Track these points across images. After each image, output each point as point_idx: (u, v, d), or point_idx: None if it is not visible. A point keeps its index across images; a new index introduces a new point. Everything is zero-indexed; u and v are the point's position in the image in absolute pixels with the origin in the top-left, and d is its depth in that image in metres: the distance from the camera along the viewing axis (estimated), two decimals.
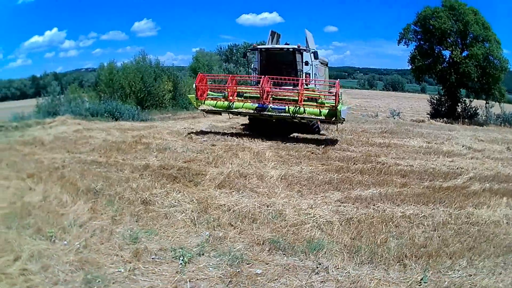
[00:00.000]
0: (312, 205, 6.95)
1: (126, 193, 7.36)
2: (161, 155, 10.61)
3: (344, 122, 13.14)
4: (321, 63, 15.94)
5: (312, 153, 11.38)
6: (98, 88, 32.64)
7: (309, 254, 5.08)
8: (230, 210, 6.68)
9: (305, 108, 12.20)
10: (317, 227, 6.03)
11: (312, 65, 14.07)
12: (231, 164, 9.70)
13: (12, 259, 4.83)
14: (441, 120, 27.12)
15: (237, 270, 4.64)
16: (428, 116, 30.04)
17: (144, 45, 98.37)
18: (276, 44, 15.39)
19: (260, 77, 12.86)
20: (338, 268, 4.71)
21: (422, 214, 6.58)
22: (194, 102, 13.42)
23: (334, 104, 11.92)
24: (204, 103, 13.35)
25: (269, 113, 12.60)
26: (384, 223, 6.16)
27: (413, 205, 7.02)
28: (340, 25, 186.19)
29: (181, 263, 4.79)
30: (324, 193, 7.66)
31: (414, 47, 30.59)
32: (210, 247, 5.29)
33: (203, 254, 5.09)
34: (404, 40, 30.62)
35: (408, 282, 4.44)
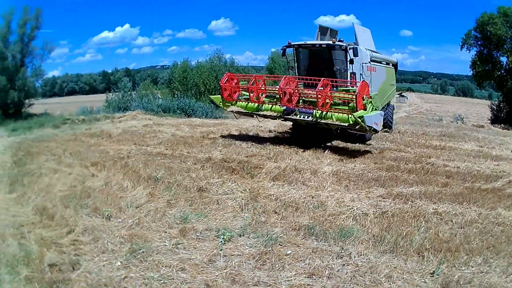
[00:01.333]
0: (354, 199, 7.30)
1: (184, 181, 8.13)
2: (225, 150, 11.35)
3: (376, 132, 11.11)
4: (378, 62, 14.72)
5: (369, 152, 11.62)
6: (172, 86, 34.28)
7: (338, 241, 5.46)
8: (277, 199, 7.20)
9: (333, 113, 10.84)
10: (352, 218, 6.38)
11: (357, 63, 12.65)
12: (290, 159, 10.15)
13: (65, 232, 5.61)
14: (500, 126, 26.56)
15: (269, 250, 5.15)
16: (489, 121, 29.67)
17: (222, 44, 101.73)
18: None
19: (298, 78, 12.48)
20: (361, 255, 5.05)
21: (454, 212, 6.69)
22: (220, 103, 12.84)
23: (355, 109, 10.43)
24: (234, 104, 12.72)
25: (295, 117, 11.63)
26: (416, 218, 6.33)
27: (448, 203, 7.12)
28: (415, 29, 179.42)
29: (221, 241, 5.39)
30: (368, 189, 7.97)
31: (475, 52, 30.64)
32: (251, 229, 5.86)
33: (243, 235, 5.67)
34: (465, 45, 30.79)
35: (422, 272, 4.68)
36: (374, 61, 13.98)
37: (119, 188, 7.81)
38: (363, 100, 10.46)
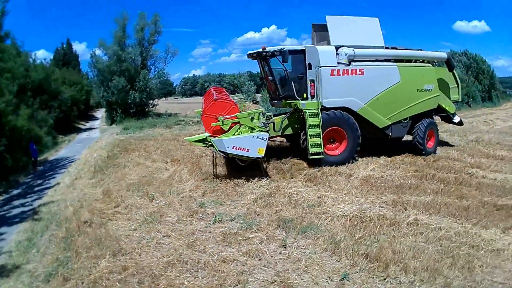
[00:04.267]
0: (353, 202, 8.19)
1: (227, 177, 10.10)
2: None
3: (255, 158, 9.93)
4: (374, 60, 12.11)
5: (423, 160, 11.96)
6: None
7: (297, 234, 6.63)
8: (288, 196, 8.59)
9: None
10: (331, 218, 7.37)
11: (314, 68, 11.34)
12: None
13: (113, 206, 8.22)
14: None
15: (237, 232, 6.83)
16: None
17: None
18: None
19: None
20: (302, 248, 6.20)
21: (438, 225, 7.01)
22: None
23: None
24: None
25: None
26: (390, 226, 6.94)
27: (443, 216, 7.47)
28: None
29: (211, 222, 7.39)
30: (380, 195, 8.67)
31: None
32: (243, 217, 7.54)
33: (233, 220, 7.44)
34: None
35: (335, 272, 5.48)
36: (363, 60, 11.71)
37: (178, 180, 10.28)
38: (218, 121, 9.77)
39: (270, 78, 11.88)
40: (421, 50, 13.28)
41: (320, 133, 10.68)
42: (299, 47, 11.59)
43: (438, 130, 13.46)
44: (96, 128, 35.98)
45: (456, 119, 14.34)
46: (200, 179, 10.07)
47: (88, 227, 7.64)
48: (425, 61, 13.26)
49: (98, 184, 11.36)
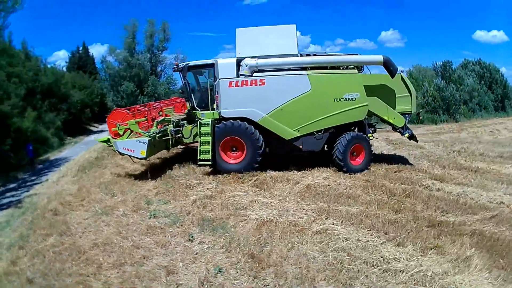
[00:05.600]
0: (280, 207, 9.25)
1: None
2: None
3: (138, 158, 12.40)
4: (281, 70, 12.21)
5: (387, 170, 12.24)
6: None
7: (206, 230, 8.10)
8: (225, 200, 9.90)
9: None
10: (245, 220, 8.60)
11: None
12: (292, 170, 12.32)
13: (79, 200, 10.82)
14: None
15: (158, 225, 8.54)
16: None
17: (392, 55, 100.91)
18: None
19: None
20: (201, 243, 7.58)
21: (346, 237, 7.48)
22: None
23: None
24: None
25: None
26: (295, 233, 7.76)
27: (360, 228, 7.91)
28: None
29: (147, 216, 9.11)
30: (312, 202, 9.44)
31: None
32: (175, 214, 9.15)
33: (166, 216, 9.07)
34: None
35: (215, 265, 6.67)
36: (269, 70, 12.03)
37: (143, 181, 12.00)
38: (116, 126, 12.94)
39: (181, 90, 14.12)
40: (356, 54, 12.89)
41: (209, 141, 11.69)
42: (209, 61, 12.33)
43: (370, 145, 12.47)
44: (107, 130, 37.76)
45: (407, 133, 12.79)
46: (161, 180, 11.76)
47: (53, 215, 9.61)
48: (360, 67, 12.65)
49: (77, 181, 13.36)
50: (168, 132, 12.75)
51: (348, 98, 11.98)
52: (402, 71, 12.68)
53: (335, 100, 11.98)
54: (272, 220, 8.39)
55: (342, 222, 8.16)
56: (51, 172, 18.12)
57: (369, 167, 12.28)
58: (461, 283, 5.91)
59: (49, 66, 40.21)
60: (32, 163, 20.03)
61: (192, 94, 12.75)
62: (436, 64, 43.85)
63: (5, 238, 9.51)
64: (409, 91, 12.60)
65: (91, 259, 6.98)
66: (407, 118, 12.55)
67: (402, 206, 9.11)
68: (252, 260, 6.67)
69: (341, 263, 6.42)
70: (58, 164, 20.52)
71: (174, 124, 13.27)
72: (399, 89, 12.58)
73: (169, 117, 14.23)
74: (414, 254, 6.71)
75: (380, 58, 12.18)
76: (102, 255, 7.10)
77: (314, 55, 12.63)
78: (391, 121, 12.42)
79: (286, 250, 6.95)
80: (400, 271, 6.17)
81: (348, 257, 6.58)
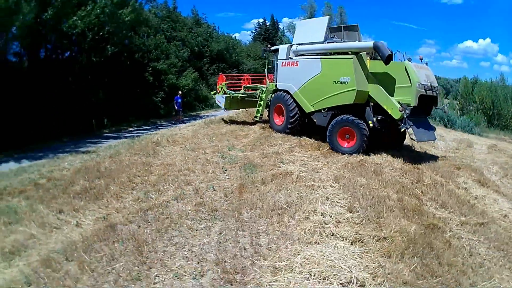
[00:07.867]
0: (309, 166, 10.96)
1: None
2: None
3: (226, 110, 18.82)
4: (308, 55, 14.62)
5: (445, 163, 12.95)
6: (458, 98, 41.75)
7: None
8: (287, 156, 11.80)
9: None
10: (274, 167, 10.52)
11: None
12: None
13: (183, 141, 13.67)
14: None
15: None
16: None
17: None
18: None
19: None
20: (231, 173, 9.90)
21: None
22: None
23: None
24: None
25: None
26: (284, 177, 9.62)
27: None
28: None
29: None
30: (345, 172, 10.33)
31: None
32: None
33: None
34: None
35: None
36: (301, 54, 14.94)
37: (241, 137, 14.24)
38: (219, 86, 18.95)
39: (270, 66, 18.06)
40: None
41: (261, 104, 17.01)
42: (278, 46, 16.74)
43: (363, 130, 12.35)
44: None
45: (404, 128, 11.85)
46: (256, 139, 14.24)
47: (154, 145, 12.92)
48: (372, 54, 13.50)
49: (196, 130, 16.61)
50: (254, 95, 18.00)
51: (342, 82, 12.92)
52: (409, 59, 12.40)
53: (334, 82, 13.17)
54: (293, 173, 9.96)
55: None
56: (186, 123, 20.93)
57: (362, 151, 12.36)
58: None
59: (225, 34, 43.35)
60: (178, 114, 22.63)
61: (272, 71, 17.26)
62: None
63: (106, 153, 12.50)
64: (411, 82, 11.95)
65: (150, 170, 10.02)
66: (407, 111, 11.62)
67: (407, 190, 9.20)
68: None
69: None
70: (202, 118, 22.87)
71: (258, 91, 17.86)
72: (401, 78, 12.24)
73: (255, 85, 18.58)
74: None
75: (370, 43, 12.66)
76: (159, 169, 10.07)
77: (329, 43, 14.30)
78: (389, 111, 12.03)
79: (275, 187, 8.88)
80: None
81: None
